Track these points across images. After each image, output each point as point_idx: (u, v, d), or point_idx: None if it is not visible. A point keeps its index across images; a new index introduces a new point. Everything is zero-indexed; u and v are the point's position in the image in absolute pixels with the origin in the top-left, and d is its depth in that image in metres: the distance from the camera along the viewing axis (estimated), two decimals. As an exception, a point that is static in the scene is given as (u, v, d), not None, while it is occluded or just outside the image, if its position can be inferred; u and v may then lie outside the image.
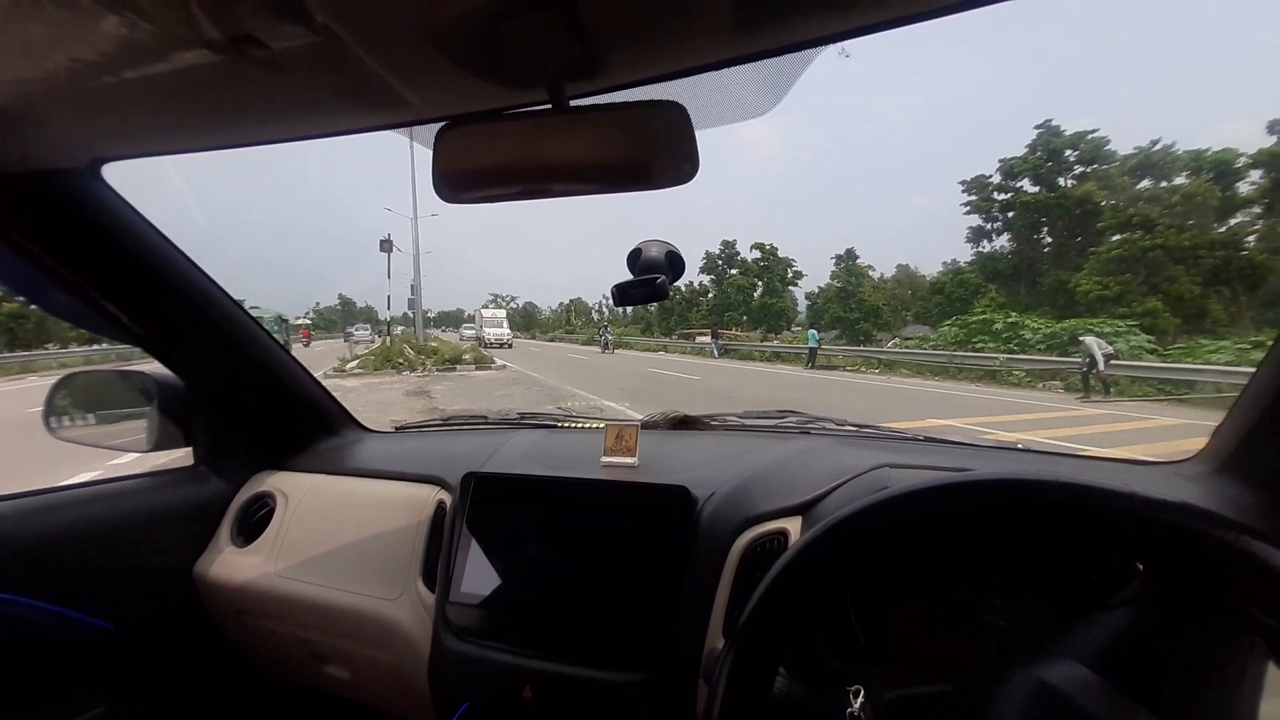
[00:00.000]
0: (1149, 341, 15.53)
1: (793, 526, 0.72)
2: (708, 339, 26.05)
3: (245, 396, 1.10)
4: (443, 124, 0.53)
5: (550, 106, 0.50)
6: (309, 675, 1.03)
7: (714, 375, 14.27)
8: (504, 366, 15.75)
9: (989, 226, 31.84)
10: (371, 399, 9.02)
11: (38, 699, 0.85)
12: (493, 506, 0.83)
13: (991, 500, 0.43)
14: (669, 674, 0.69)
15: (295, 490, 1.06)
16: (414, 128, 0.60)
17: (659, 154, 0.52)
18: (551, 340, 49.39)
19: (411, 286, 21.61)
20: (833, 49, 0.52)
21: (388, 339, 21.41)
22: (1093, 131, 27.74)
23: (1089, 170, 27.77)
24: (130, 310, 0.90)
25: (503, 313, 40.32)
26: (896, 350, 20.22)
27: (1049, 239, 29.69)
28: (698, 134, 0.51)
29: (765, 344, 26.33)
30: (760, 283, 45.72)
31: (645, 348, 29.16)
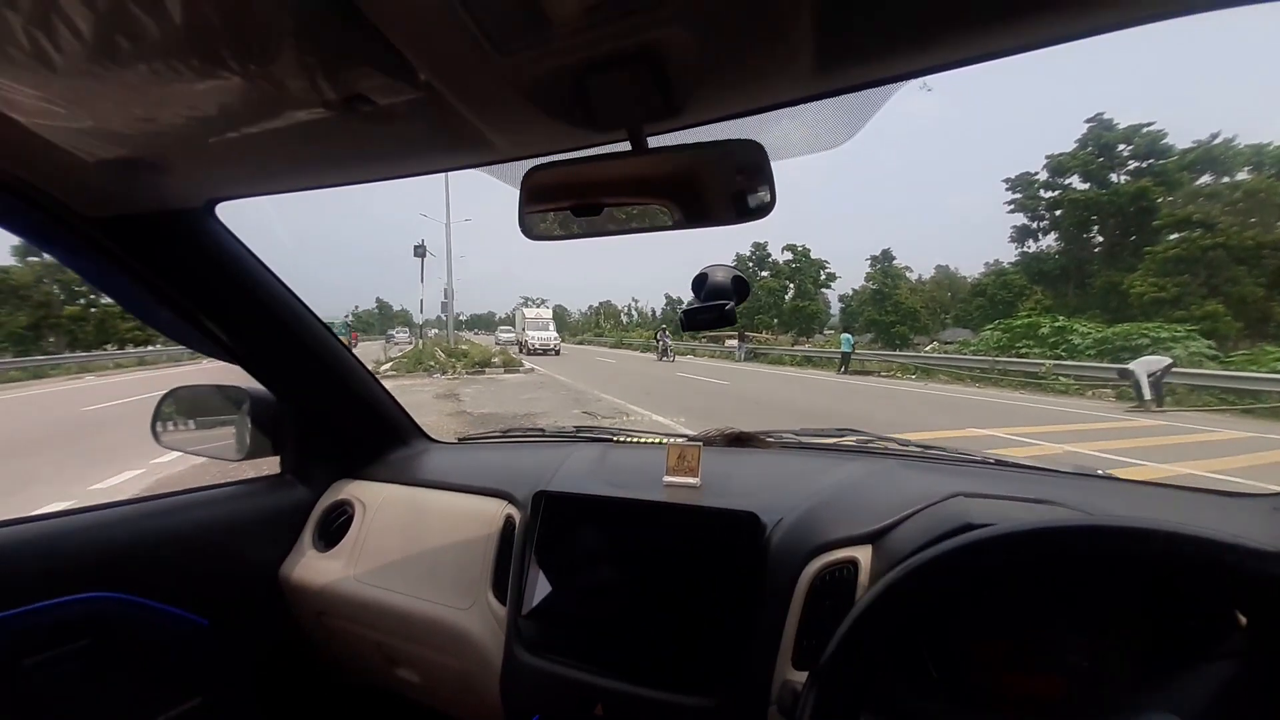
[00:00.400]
0: (1209, 347, 14.64)
1: (863, 555, 0.71)
2: (735, 342, 25.68)
3: (329, 410, 1.17)
4: (529, 166, 0.56)
5: (630, 148, 0.51)
6: (382, 677, 1.08)
7: (744, 380, 14.08)
8: (531, 370, 15.89)
9: (1035, 226, 30.66)
10: (403, 401, 9.16)
11: (144, 690, 0.91)
12: (562, 525, 0.85)
13: (1090, 547, 0.41)
14: (739, 700, 0.69)
15: (371, 499, 1.12)
16: (498, 166, 0.62)
17: (737, 191, 0.53)
18: (580, 343, 49.76)
19: (445, 290, 21.99)
20: (914, 83, 0.47)
21: (420, 342, 21.89)
22: (1148, 125, 26.39)
23: (1144, 165, 26.38)
24: (232, 332, 0.98)
25: (548, 312, 35.83)
26: (933, 355, 19.58)
27: (1100, 238, 28.33)
28: (774, 165, 0.51)
29: (796, 348, 25.86)
30: (792, 285, 45.05)
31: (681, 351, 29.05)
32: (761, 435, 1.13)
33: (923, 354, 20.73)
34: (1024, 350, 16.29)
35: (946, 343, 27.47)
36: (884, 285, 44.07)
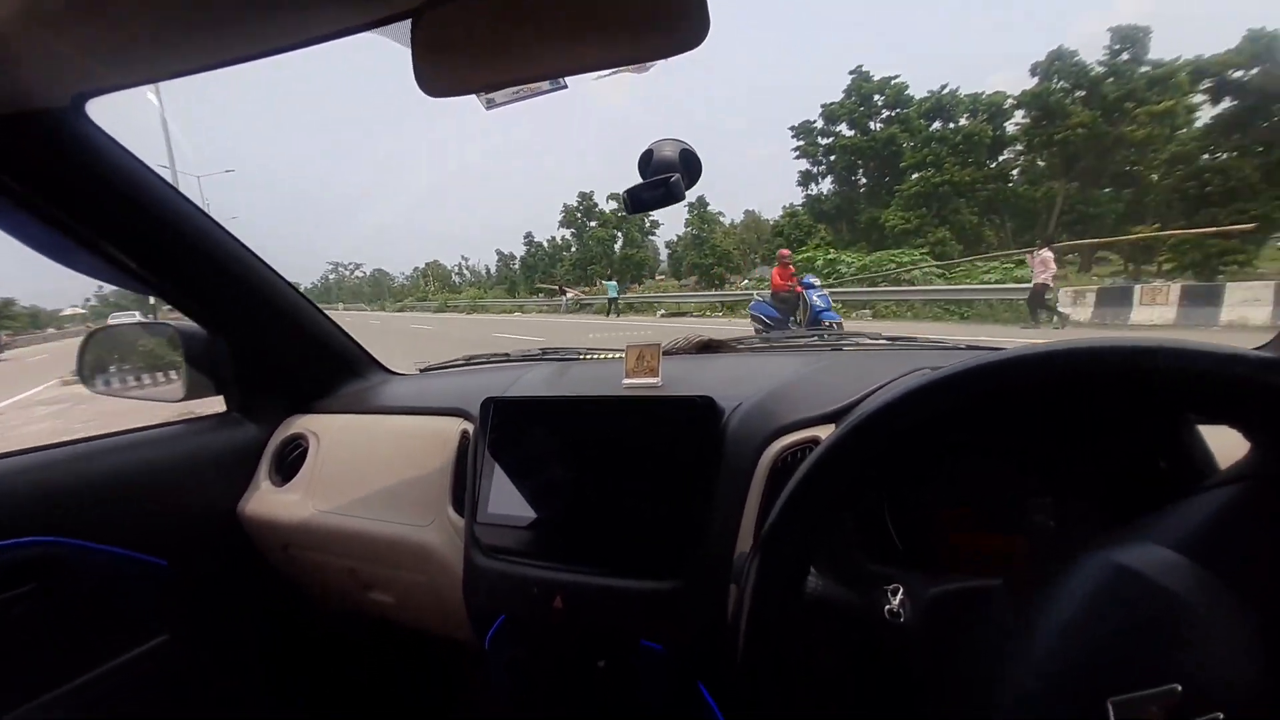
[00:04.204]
0: (938, 267, 17.77)
1: (825, 435, 0.65)
2: (561, 296, 25.37)
3: (269, 342, 1.11)
4: (418, 7, 0.50)
5: None
6: (357, 602, 1.06)
7: (556, 335, 13.79)
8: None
9: (815, 170, 34.30)
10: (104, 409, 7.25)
11: (102, 632, 0.89)
12: (513, 429, 0.84)
13: (1076, 372, 0.37)
14: (699, 581, 0.68)
15: (326, 430, 1.10)
16: (394, 25, 0.54)
17: (662, 15, 0.48)
18: (401, 310, 45.48)
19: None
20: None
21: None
22: (895, 77, 30.56)
23: (894, 114, 30.68)
24: (139, 257, 0.89)
25: None
26: (684, 294, 21.73)
27: (864, 180, 32.70)
28: None
29: (621, 296, 26.33)
30: (619, 234, 45.78)
31: (501, 309, 27.76)
32: (732, 341, 1.10)
33: (686, 294, 22.62)
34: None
35: (756, 279, 30.12)
36: (701, 230, 46.78)
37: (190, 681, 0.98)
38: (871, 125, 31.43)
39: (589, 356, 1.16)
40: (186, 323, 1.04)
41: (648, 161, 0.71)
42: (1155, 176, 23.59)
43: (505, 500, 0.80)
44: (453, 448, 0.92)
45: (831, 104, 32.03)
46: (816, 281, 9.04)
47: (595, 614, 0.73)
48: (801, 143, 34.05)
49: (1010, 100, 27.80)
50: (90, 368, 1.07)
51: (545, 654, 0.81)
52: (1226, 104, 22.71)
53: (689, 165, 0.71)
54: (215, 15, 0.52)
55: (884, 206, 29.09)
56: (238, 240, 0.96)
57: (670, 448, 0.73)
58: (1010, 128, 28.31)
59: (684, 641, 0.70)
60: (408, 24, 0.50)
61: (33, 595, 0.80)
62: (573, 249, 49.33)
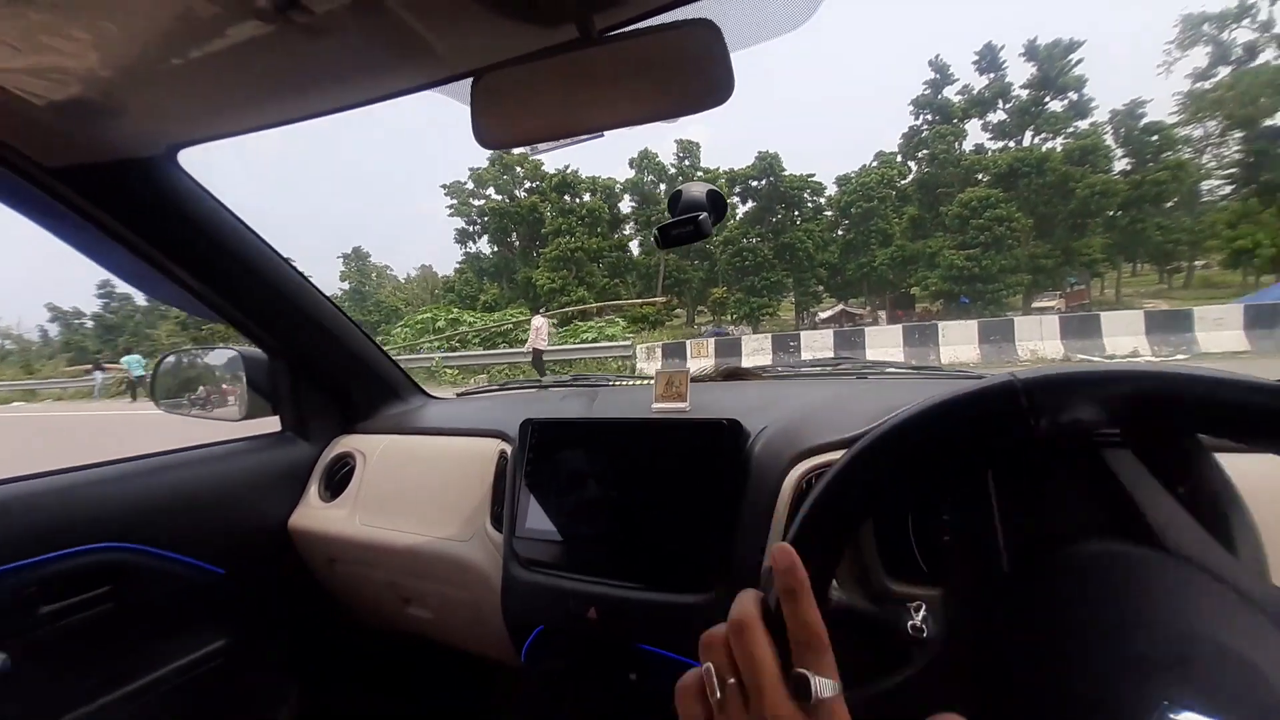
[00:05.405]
0: (554, 326, 19.22)
1: None
2: (94, 374, 18.75)
3: (322, 366, 1.18)
4: (478, 69, 0.56)
5: (579, 38, 0.52)
6: (395, 616, 1.10)
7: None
8: None
9: (471, 229, 35.00)
10: None
11: (168, 633, 0.96)
12: (550, 449, 0.87)
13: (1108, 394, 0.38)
14: (728, 596, 0.68)
15: (372, 449, 1.14)
16: (454, 84, 0.60)
17: (693, 77, 0.53)
18: None
19: None
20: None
21: None
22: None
23: (534, 186, 33.64)
24: (215, 288, 0.97)
25: None
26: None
27: (517, 242, 34.78)
28: (732, 55, 0.51)
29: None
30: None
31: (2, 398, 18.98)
32: (758, 369, 1.15)
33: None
34: (426, 344, 17.21)
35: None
36: (361, 284, 42.82)
37: (241, 688, 1.04)
38: (516, 193, 33.78)
39: (618, 383, 1.21)
40: (249, 347, 1.13)
41: (676, 200, 0.75)
42: (719, 253, 31.23)
43: (542, 516, 0.83)
44: (491, 467, 0.96)
45: (479, 168, 33.37)
46: None
47: (628, 625, 0.76)
48: (455, 201, 34.39)
49: (619, 185, 33.61)
50: (161, 387, 1.21)
51: (579, 667, 0.83)
52: (751, 204, 32.08)
53: (715, 203, 0.74)
54: (297, 76, 0.58)
55: (535, 267, 31.21)
56: (298, 271, 1.03)
57: (698, 468, 0.76)
58: (625, 208, 34.14)
59: None
60: (468, 84, 0.56)
61: (107, 597, 0.86)
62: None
